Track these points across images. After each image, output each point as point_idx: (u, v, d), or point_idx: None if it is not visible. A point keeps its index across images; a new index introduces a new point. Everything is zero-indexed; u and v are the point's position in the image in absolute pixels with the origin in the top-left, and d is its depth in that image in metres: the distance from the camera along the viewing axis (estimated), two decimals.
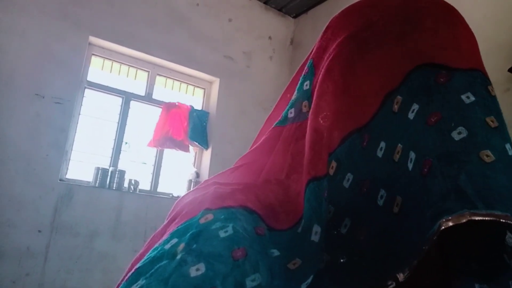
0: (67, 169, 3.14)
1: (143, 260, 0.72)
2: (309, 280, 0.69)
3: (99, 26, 3.22)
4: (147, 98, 3.66)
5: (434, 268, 0.89)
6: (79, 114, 3.25)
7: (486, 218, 0.58)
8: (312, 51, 1.06)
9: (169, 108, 3.63)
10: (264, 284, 0.65)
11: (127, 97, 3.54)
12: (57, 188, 2.91)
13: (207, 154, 3.81)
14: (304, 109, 0.99)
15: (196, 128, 3.70)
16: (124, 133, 3.46)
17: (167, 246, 0.71)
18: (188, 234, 0.71)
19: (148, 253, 0.73)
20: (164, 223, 0.88)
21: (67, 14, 3.09)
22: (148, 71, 3.69)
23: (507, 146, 0.67)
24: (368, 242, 0.76)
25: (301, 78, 1.06)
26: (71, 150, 3.17)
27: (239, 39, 4.04)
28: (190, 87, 3.97)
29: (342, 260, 0.77)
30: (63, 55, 3.04)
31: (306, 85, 1.02)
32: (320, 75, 0.95)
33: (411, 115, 0.78)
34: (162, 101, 3.69)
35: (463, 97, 0.73)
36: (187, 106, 3.72)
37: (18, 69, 2.85)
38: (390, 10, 0.95)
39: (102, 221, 3.06)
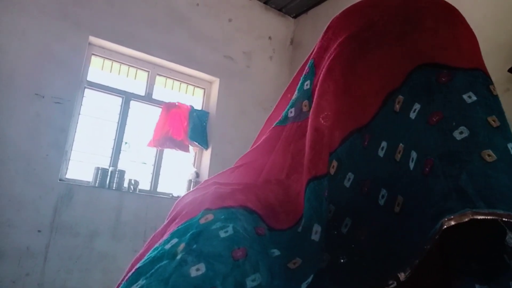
0: (67, 169, 3.14)
1: (143, 260, 0.72)
2: (309, 280, 0.69)
3: (99, 26, 3.22)
4: (147, 98, 3.66)
5: (435, 268, 0.89)
6: (79, 114, 3.25)
7: (489, 217, 0.58)
8: (313, 51, 1.06)
9: (169, 108, 3.64)
10: (264, 284, 0.65)
11: (127, 97, 3.54)
12: (57, 188, 2.91)
13: (207, 154, 3.81)
14: (305, 109, 0.99)
15: (196, 128, 3.70)
16: (124, 133, 3.47)
17: (167, 246, 0.71)
18: (188, 234, 0.71)
19: (148, 253, 0.73)
20: (164, 223, 0.88)
21: (67, 14, 3.09)
22: (148, 71, 3.69)
23: (509, 145, 0.66)
24: (368, 242, 0.75)
25: (301, 78, 1.06)
26: (71, 150, 3.17)
27: (239, 39, 4.04)
28: (190, 87, 3.97)
29: (342, 260, 0.77)
30: (63, 55, 3.04)
31: (307, 85, 1.02)
32: (321, 75, 0.95)
33: (412, 115, 0.78)
34: (162, 101, 3.69)
35: (465, 96, 0.73)
36: (187, 106, 3.73)
37: (18, 69, 2.85)
38: (390, 10, 0.94)
39: (102, 221, 3.07)
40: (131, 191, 3.33)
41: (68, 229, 2.92)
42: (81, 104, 3.27)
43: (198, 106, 3.92)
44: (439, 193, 0.64)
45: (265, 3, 4.24)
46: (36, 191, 2.82)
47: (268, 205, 0.85)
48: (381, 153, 0.82)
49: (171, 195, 3.62)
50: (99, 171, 3.19)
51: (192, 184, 3.68)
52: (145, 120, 3.64)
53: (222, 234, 0.70)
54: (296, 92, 1.05)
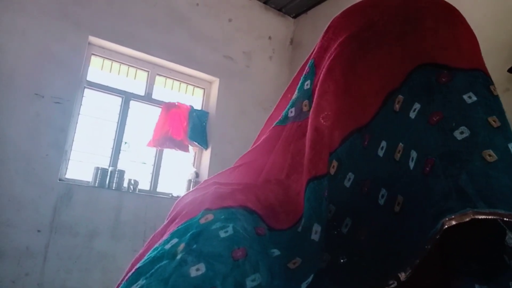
0: (67, 169, 3.14)
1: (143, 260, 0.72)
2: (309, 280, 0.69)
3: (99, 26, 3.22)
4: (147, 98, 3.66)
5: (435, 268, 0.89)
6: (79, 114, 3.25)
7: (490, 217, 0.58)
8: (313, 51, 1.06)
9: (169, 108, 3.63)
10: (264, 284, 0.65)
11: (127, 97, 3.54)
12: (56, 188, 2.91)
13: (206, 154, 3.81)
14: (305, 109, 0.99)
15: (195, 128, 3.70)
16: (123, 133, 3.46)
17: (167, 246, 0.71)
18: (188, 234, 0.71)
19: (148, 253, 0.73)
20: (164, 223, 0.88)
21: (67, 14, 3.09)
22: (148, 71, 3.69)
23: (510, 145, 0.66)
24: (368, 241, 0.75)
25: (302, 77, 1.06)
26: (71, 150, 3.17)
27: (239, 39, 4.04)
28: (190, 87, 3.97)
29: (342, 260, 0.77)
30: (63, 55, 3.04)
31: (307, 85, 1.02)
32: (321, 75, 0.95)
33: (412, 115, 0.78)
34: (162, 101, 3.69)
35: (465, 97, 0.73)
36: (186, 106, 3.72)
37: (18, 69, 2.85)
38: (390, 10, 0.94)
39: (102, 221, 3.06)
40: (130, 191, 3.33)
41: (68, 229, 2.91)
42: (81, 104, 3.27)
43: (198, 106, 3.92)
44: (439, 192, 0.64)
45: (265, 3, 4.23)
46: (36, 191, 2.82)
47: (268, 205, 0.85)
48: (380, 153, 0.82)
49: (170, 195, 3.62)
50: (99, 171, 3.19)
51: (191, 184, 3.68)
52: (144, 120, 3.64)
53: (222, 234, 0.70)
54: (296, 92, 1.05)
